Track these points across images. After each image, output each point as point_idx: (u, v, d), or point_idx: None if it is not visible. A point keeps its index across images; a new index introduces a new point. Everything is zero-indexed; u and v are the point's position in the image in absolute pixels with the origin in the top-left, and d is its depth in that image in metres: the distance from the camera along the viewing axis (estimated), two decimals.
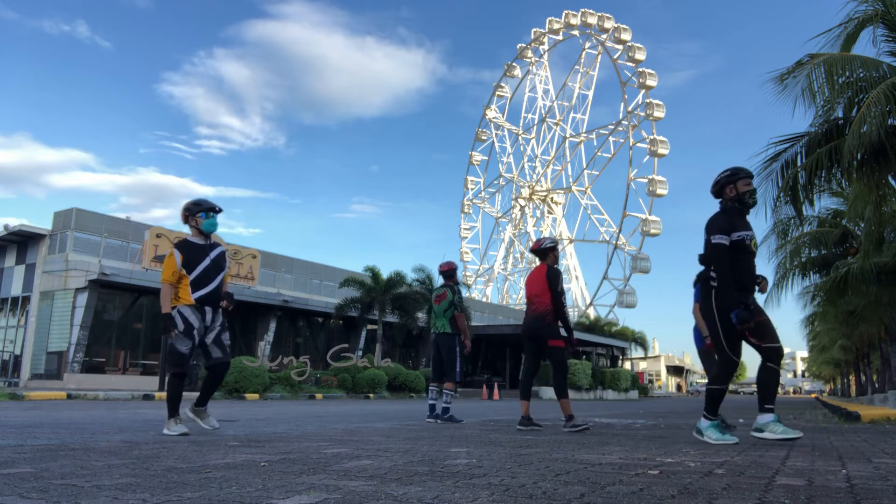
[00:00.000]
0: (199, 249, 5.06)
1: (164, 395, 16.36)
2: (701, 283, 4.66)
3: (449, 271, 7.88)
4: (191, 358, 4.97)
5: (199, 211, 5.11)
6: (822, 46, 10.12)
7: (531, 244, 6.60)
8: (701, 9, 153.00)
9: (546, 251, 6.48)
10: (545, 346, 6.23)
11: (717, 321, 4.40)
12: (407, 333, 33.17)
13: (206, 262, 5.03)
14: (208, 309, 5.01)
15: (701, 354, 6.62)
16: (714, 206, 4.80)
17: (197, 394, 5.32)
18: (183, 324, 4.88)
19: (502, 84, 77.32)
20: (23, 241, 27.58)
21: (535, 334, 6.23)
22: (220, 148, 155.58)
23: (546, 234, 70.81)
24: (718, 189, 4.64)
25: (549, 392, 33.06)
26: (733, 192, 4.56)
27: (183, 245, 5.06)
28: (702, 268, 6.80)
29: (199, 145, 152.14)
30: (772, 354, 4.40)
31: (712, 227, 4.47)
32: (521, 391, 6.46)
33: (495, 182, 77.10)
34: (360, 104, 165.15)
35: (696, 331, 6.62)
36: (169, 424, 4.92)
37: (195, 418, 5.11)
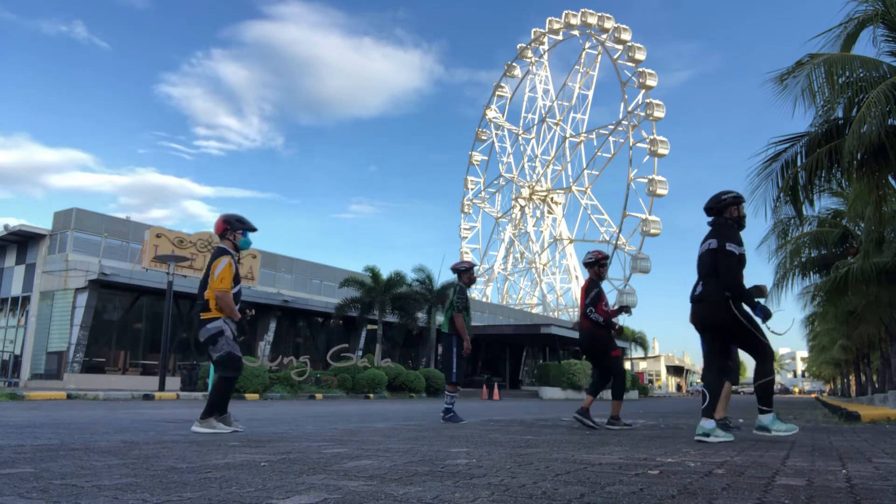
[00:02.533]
0: (236, 264, 5.35)
1: (164, 395, 16.17)
2: (713, 290, 4.79)
3: (454, 270, 7.87)
4: None
5: (242, 228, 5.40)
6: (822, 46, 10.13)
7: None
8: (698, 10, 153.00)
9: (586, 265, 6.98)
10: (604, 357, 6.75)
11: (747, 323, 4.69)
12: (407, 333, 33.18)
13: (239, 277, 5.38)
14: None
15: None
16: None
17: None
18: (232, 334, 5.23)
19: (502, 84, 77.29)
20: (23, 241, 27.58)
21: (589, 348, 6.82)
22: (218, 148, 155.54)
23: (546, 234, 70.84)
24: (723, 206, 4.92)
25: (548, 392, 33.08)
26: (735, 213, 4.93)
27: (233, 258, 5.33)
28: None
29: (197, 146, 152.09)
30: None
31: (729, 236, 4.73)
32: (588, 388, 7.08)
33: (495, 182, 77.13)
34: (358, 105, 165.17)
35: None
36: (215, 423, 5.13)
37: (226, 426, 5.27)
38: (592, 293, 6.69)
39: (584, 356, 7.08)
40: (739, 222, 4.94)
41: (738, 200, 4.96)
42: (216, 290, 5.12)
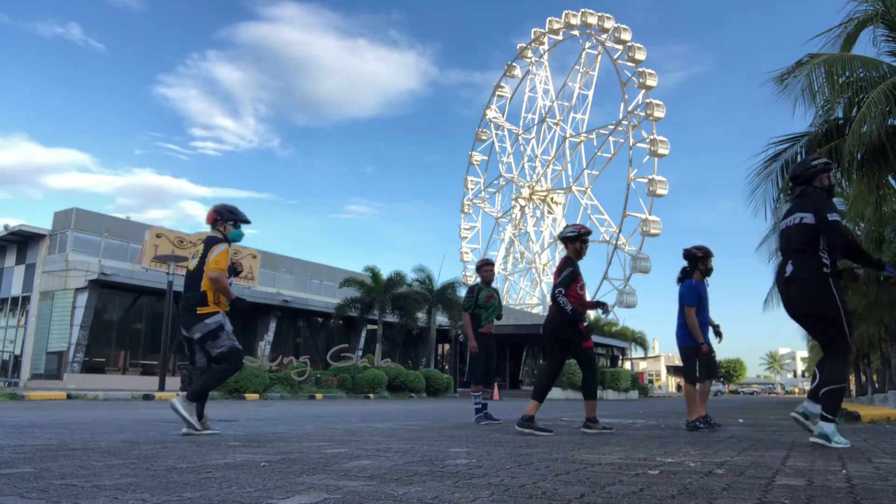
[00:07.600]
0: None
1: (164, 395, 16.13)
2: (809, 267, 4.19)
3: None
4: None
5: (233, 219, 5.20)
6: (822, 46, 10.15)
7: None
8: (689, 11, 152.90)
9: (564, 240, 5.84)
10: (572, 349, 5.62)
11: (842, 309, 4.11)
12: (407, 333, 33.16)
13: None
14: None
15: (683, 354, 6.47)
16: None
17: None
18: (231, 327, 5.05)
19: (502, 84, 77.28)
20: (23, 241, 27.60)
21: (554, 336, 5.59)
22: (214, 149, 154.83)
23: (546, 234, 70.82)
24: (812, 175, 4.37)
25: (553, 392, 33.01)
26: (826, 181, 4.37)
27: (229, 246, 5.14)
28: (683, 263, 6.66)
29: (194, 147, 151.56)
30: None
31: (826, 205, 4.18)
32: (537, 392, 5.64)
33: (495, 182, 77.08)
34: (353, 106, 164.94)
35: (684, 330, 6.43)
36: (193, 413, 4.83)
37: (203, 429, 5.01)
38: (566, 272, 5.56)
39: (549, 346, 5.71)
40: (830, 192, 4.38)
41: (828, 167, 4.38)
42: (211, 272, 4.78)
